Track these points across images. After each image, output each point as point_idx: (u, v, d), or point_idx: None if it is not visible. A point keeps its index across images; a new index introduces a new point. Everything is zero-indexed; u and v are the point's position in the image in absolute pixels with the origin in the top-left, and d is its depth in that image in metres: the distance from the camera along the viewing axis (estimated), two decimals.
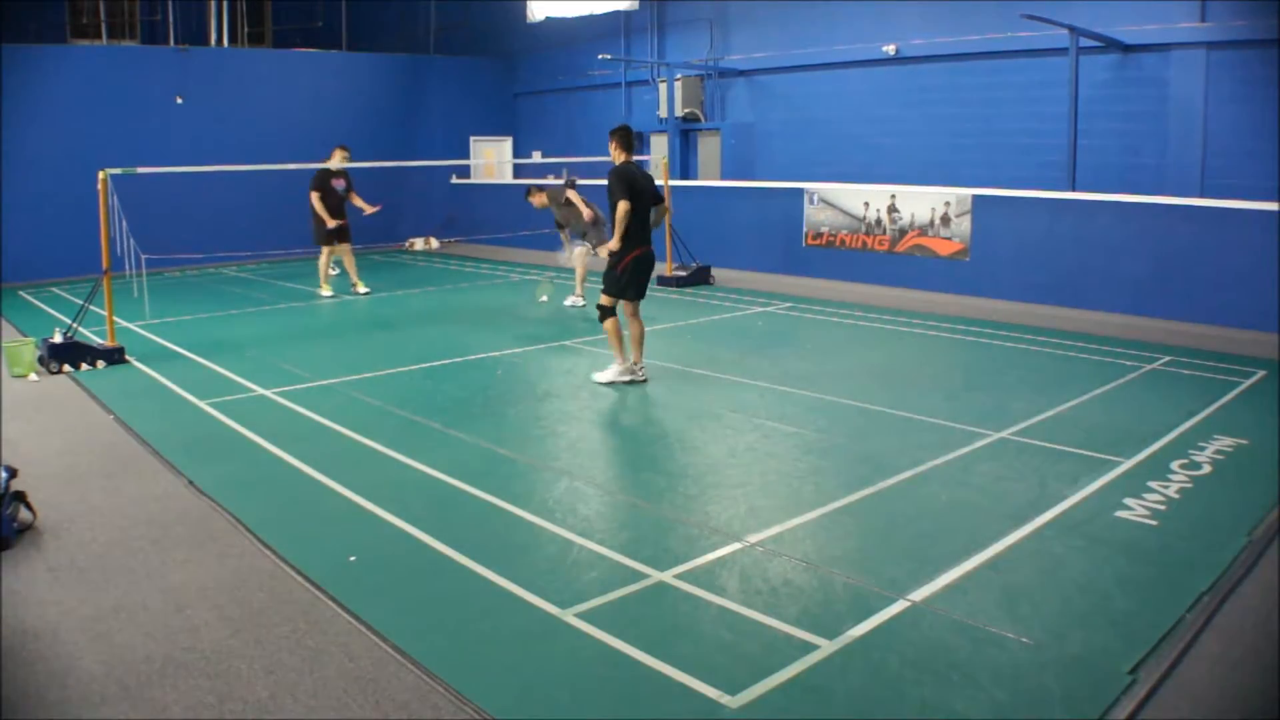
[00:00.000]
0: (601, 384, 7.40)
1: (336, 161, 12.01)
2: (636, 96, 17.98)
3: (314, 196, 11.98)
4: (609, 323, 7.31)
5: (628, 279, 7.17)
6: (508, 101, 20.48)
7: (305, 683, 3.29)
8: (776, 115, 15.74)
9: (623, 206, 6.93)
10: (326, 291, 12.49)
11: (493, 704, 3.13)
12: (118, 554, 4.39)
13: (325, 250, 12.42)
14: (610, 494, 5.21)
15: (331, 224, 11.99)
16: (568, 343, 9.07)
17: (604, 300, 7.30)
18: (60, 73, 14.90)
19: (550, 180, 17.40)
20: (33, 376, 7.99)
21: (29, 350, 8.16)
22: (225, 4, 17.97)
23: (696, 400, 7.11)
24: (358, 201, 12.34)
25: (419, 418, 6.63)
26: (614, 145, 7.22)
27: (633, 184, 7.00)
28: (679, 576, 4.06)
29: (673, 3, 17.06)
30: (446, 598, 3.93)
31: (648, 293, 7.56)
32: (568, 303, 11.31)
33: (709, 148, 16.78)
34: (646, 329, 7.72)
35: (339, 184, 12.17)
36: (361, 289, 12.53)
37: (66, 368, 8.15)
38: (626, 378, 7.39)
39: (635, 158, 7.38)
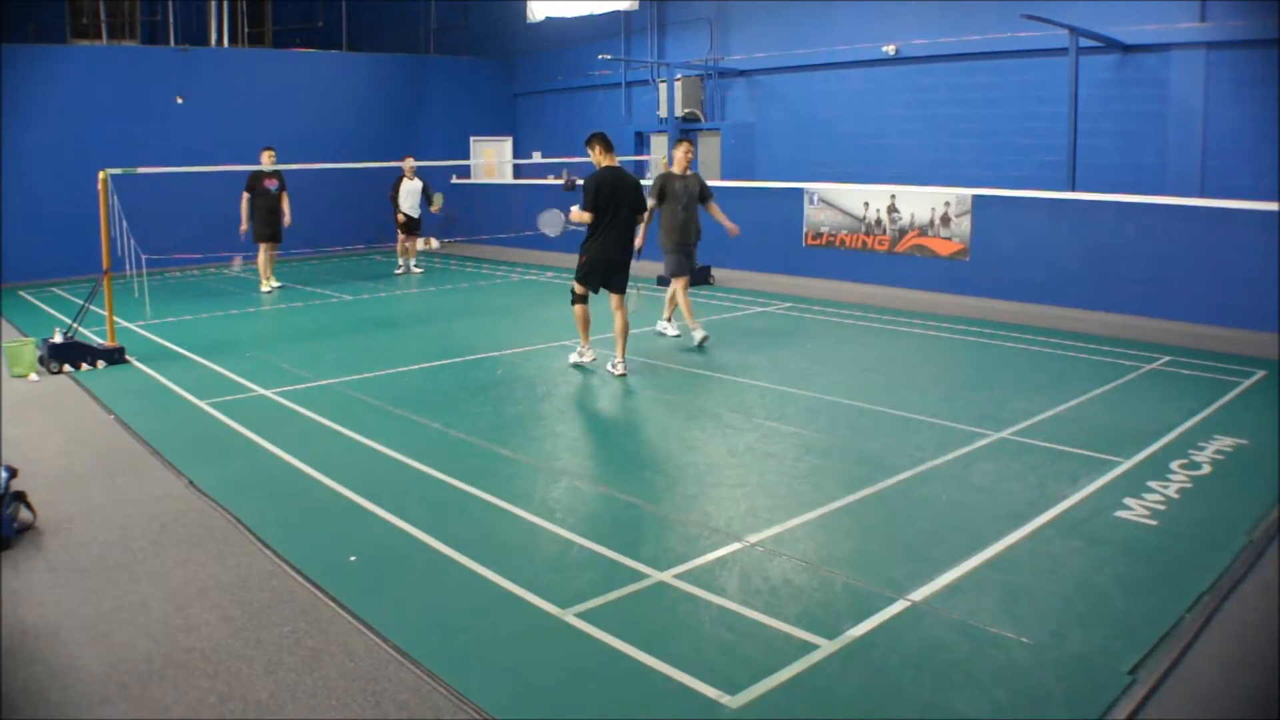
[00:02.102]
0: (570, 364, 8.11)
1: (266, 162, 12.41)
2: (636, 96, 17.97)
3: (244, 197, 12.52)
4: (576, 308, 7.91)
5: (584, 271, 7.81)
6: (508, 101, 20.48)
7: (305, 683, 3.29)
8: (776, 115, 15.74)
9: (586, 216, 7.67)
10: (265, 286, 12.93)
11: (492, 704, 3.13)
12: (118, 554, 4.39)
13: (263, 247, 12.83)
14: (610, 494, 5.21)
15: (244, 227, 12.62)
16: (567, 342, 9.06)
17: (575, 288, 7.91)
18: (60, 73, 14.90)
19: (551, 180, 17.41)
20: (33, 376, 7.99)
21: (29, 350, 8.15)
22: (225, 4, 17.97)
23: (696, 400, 7.11)
24: (285, 206, 12.77)
25: (419, 418, 6.63)
26: (596, 150, 7.76)
27: (597, 194, 7.57)
28: (679, 576, 4.06)
29: (673, 3, 17.06)
30: (446, 598, 3.94)
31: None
32: (660, 329, 9.42)
33: (709, 148, 16.76)
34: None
35: (271, 184, 12.58)
36: (272, 283, 13.02)
37: (67, 368, 8.15)
38: (588, 359, 8.04)
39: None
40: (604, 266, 7.71)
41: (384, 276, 14.55)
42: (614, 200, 7.57)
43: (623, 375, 7.73)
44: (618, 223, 7.63)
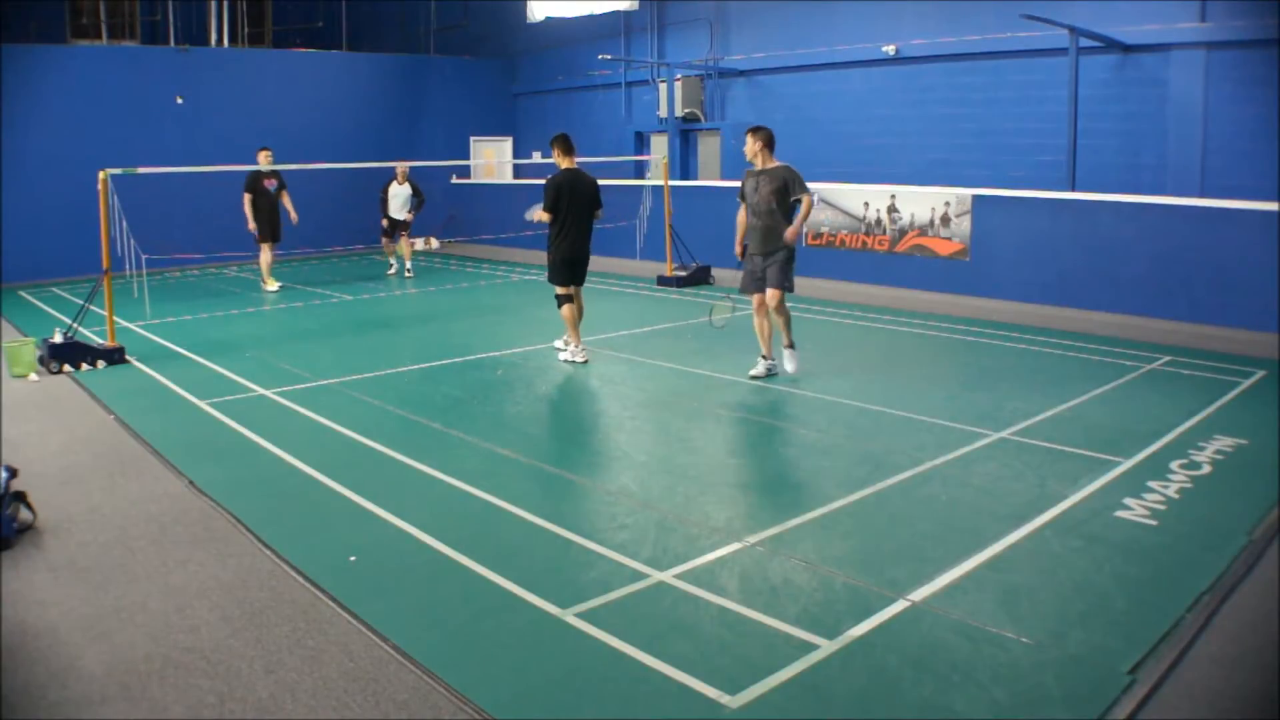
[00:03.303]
0: (560, 360, 8.36)
1: (263, 162, 12.42)
2: (636, 96, 17.97)
3: (246, 198, 12.51)
4: (564, 309, 8.23)
5: (554, 271, 8.22)
6: (508, 101, 20.48)
7: (305, 683, 3.29)
8: (777, 115, 15.69)
9: (546, 216, 8.05)
10: (271, 286, 13.00)
11: (493, 703, 3.13)
12: (118, 554, 4.39)
13: (265, 247, 12.86)
14: (610, 494, 5.20)
15: (253, 226, 12.60)
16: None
17: (558, 290, 8.24)
18: (60, 73, 14.90)
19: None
20: (33, 376, 7.99)
21: (29, 350, 8.16)
22: (225, 4, 17.97)
23: (696, 400, 7.11)
24: (288, 203, 12.88)
25: (419, 418, 6.63)
26: (556, 152, 8.12)
27: (558, 196, 7.96)
28: (679, 576, 4.06)
29: (673, 3, 17.05)
30: (446, 598, 3.93)
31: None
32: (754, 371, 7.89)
33: (709, 148, 16.76)
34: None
35: (270, 184, 12.67)
36: (272, 286, 13.09)
37: (67, 368, 8.15)
38: (580, 358, 8.23)
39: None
40: (570, 264, 8.15)
41: (383, 277, 14.57)
42: (573, 200, 8.00)
43: (584, 361, 8.18)
44: (578, 221, 8.07)
